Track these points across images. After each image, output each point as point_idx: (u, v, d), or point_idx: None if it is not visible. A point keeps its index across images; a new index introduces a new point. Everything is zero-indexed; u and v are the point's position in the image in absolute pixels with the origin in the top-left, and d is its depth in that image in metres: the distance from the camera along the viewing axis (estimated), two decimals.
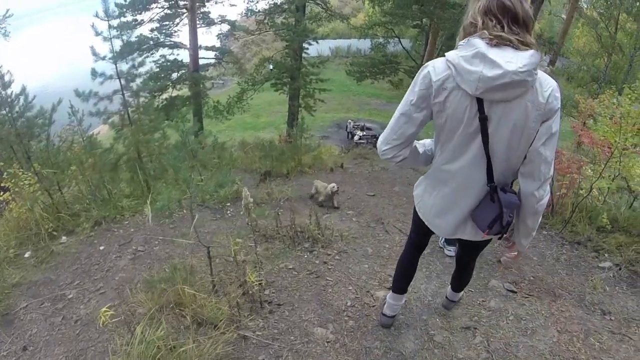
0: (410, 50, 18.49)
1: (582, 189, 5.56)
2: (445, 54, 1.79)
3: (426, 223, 2.27)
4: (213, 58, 17.43)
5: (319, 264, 4.22)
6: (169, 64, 16.53)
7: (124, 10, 15.75)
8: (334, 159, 11.28)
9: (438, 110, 1.84)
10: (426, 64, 1.85)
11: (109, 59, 6.86)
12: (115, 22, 16.08)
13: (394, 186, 8.51)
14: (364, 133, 18.32)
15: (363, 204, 6.88)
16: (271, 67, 15.06)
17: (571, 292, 4.06)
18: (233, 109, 15.83)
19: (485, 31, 1.67)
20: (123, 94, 7.05)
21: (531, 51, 1.63)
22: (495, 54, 1.62)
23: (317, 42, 13.90)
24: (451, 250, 4.40)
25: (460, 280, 3.11)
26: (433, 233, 2.44)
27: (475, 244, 2.31)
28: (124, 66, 7.06)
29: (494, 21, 1.67)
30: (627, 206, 6.05)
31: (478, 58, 1.64)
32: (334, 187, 6.24)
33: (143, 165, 6.99)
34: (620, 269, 4.41)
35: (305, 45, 14.13)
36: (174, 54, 17.51)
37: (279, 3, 15.35)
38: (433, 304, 3.67)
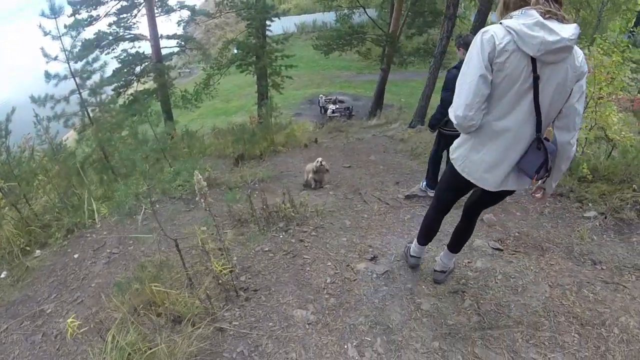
0: (377, 19, 17.99)
1: None
2: (502, 21, 2.03)
3: (473, 180, 2.36)
4: (176, 46, 16.72)
5: (295, 242, 4.03)
6: (130, 57, 15.79)
7: (78, 7, 14.97)
8: (308, 135, 11.14)
9: (497, 70, 2.02)
10: (486, 29, 2.03)
11: (64, 58, 6.55)
12: (69, 20, 15.58)
13: (369, 155, 8.32)
14: (337, 106, 17.91)
15: (340, 176, 6.71)
16: (235, 49, 14.55)
17: (559, 244, 3.88)
18: (200, 96, 15.29)
19: (539, 5, 1.94)
20: (80, 94, 6.77)
21: (574, 24, 1.92)
22: (552, 24, 1.89)
23: (279, 19, 13.36)
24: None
25: (463, 234, 3.03)
26: (466, 193, 2.75)
27: (504, 194, 2.47)
28: (79, 64, 6.86)
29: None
30: (606, 156, 5.93)
31: (538, 26, 1.89)
32: (321, 161, 6.00)
33: (110, 164, 6.83)
34: (605, 218, 4.26)
35: (267, 22, 13.58)
36: (135, 47, 16.72)
37: None
38: (418, 271, 3.49)
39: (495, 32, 2.00)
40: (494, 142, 2.21)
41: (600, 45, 5.32)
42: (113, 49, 16.33)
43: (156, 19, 16.22)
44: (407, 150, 8.37)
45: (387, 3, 18.13)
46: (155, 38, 15.95)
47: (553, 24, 1.91)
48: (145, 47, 16.50)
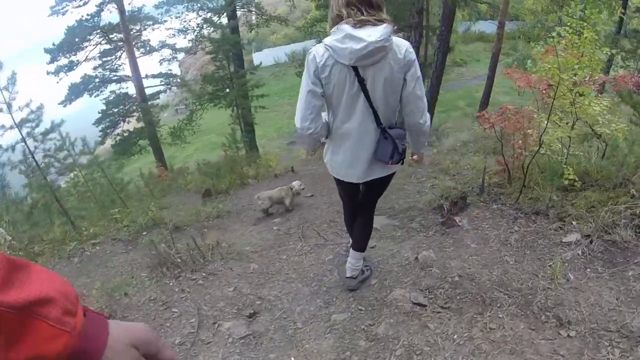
0: None
1: (544, 145, 4.19)
2: (323, 40, 2.19)
3: (341, 178, 2.59)
4: (161, 85, 16.09)
5: (178, 291, 3.49)
6: (114, 98, 15.30)
7: (56, 54, 14.59)
8: (286, 164, 10.17)
9: (326, 83, 2.20)
10: (311, 50, 2.22)
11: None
12: (52, 67, 15.17)
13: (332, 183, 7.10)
14: None
15: (297, 207, 5.72)
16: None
17: (514, 292, 2.62)
18: (183, 132, 14.46)
19: (350, 19, 2.10)
20: (24, 141, 6.43)
21: (384, 24, 2.08)
22: (359, 32, 2.05)
23: (248, 48, 12.47)
24: None
25: (363, 229, 3.00)
26: (357, 187, 2.79)
27: (380, 181, 2.60)
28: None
29: (355, 10, 2.10)
30: (600, 155, 4.61)
31: (347, 38, 2.06)
32: (301, 184, 5.73)
33: (63, 207, 6.54)
34: (591, 242, 2.98)
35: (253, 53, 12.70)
36: (123, 88, 16.32)
37: (208, 17, 13.91)
38: (294, 340, 2.66)
39: (316, 51, 2.17)
40: (345, 142, 2.42)
41: (569, 22, 4.10)
42: (101, 91, 16.02)
43: (139, 59, 15.74)
44: None
45: None
46: (137, 78, 15.40)
47: (363, 31, 2.05)
48: (132, 88, 16.03)
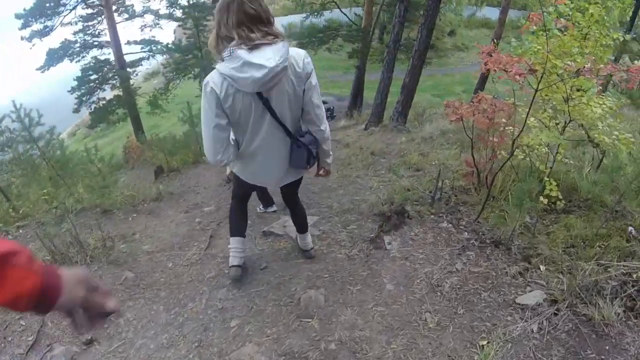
0: (351, 14, 15.47)
1: (525, 147, 3.11)
2: (217, 67, 1.97)
3: (254, 183, 2.52)
4: (142, 52, 14.87)
5: None
6: (92, 65, 14.24)
7: (30, 19, 13.46)
8: None
9: (231, 112, 2.05)
10: (206, 81, 2.02)
11: None
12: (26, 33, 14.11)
13: None
14: None
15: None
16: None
17: None
18: (157, 101, 13.36)
19: (243, 43, 1.88)
20: None
21: (281, 43, 1.91)
22: (257, 57, 1.85)
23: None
24: (273, 207, 4.17)
25: (300, 217, 2.99)
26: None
27: (296, 182, 2.64)
28: None
29: (247, 30, 1.88)
30: (593, 166, 3.55)
31: (246, 66, 1.85)
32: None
33: None
34: (556, 313, 1.95)
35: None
36: (105, 54, 15.20)
37: None
38: None
39: (214, 82, 1.99)
40: (256, 158, 2.28)
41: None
42: (83, 57, 14.93)
43: (121, 24, 14.59)
44: (342, 158, 6.15)
45: None
46: (117, 44, 14.27)
47: (261, 55, 1.86)
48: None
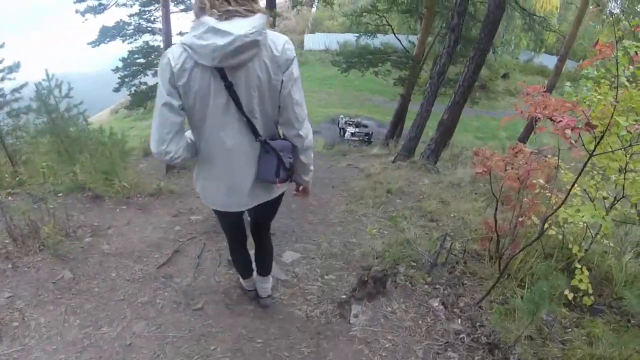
0: (407, 41, 14.91)
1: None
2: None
3: (221, 209, 2.06)
4: None
5: None
6: (139, 49, 14.38)
7: None
8: None
9: (185, 92, 1.67)
10: (165, 52, 1.68)
11: None
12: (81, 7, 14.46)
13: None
14: (357, 130, 15.40)
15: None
16: None
17: None
18: None
19: (214, 10, 1.59)
20: None
21: (257, 14, 1.61)
22: (226, 25, 1.56)
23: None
24: None
25: (264, 257, 2.54)
26: (240, 215, 2.24)
27: (271, 203, 2.11)
28: None
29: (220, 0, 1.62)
30: (635, 255, 2.87)
31: (210, 32, 1.55)
32: None
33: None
34: None
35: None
36: (156, 41, 15.36)
37: None
38: None
39: (172, 53, 1.64)
40: (217, 166, 1.88)
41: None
42: (135, 39, 15.08)
43: (176, 14, 14.61)
44: (356, 189, 5.61)
45: (416, 22, 15.06)
46: (167, 32, 14.11)
47: (230, 24, 1.55)
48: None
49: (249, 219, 2.43)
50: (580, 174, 1.97)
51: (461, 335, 2.11)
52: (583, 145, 2.14)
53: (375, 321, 2.25)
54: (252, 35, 1.54)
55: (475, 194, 5.44)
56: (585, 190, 2.69)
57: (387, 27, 14.71)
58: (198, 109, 1.72)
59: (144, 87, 14.87)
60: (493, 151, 2.91)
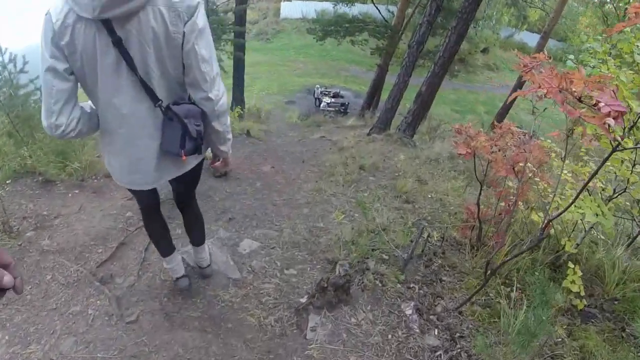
0: (385, 10, 14.21)
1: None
2: None
3: (126, 186, 1.82)
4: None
5: None
6: None
7: None
8: (238, 125, 8.22)
9: (71, 52, 1.41)
10: (48, 9, 1.42)
11: None
12: None
13: (276, 163, 5.54)
14: (333, 100, 14.77)
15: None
16: None
17: None
18: None
19: None
20: None
21: None
22: None
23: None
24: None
25: (192, 226, 2.35)
26: (152, 191, 2.00)
27: (188, 177, 1.88)
28: None
29: None
30: (632, 249, 2.57)
31: None
32: None
33: None
34: None
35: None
36: None
37: None
38: None
39: (54, 8, 1.38)
40: (116, 138, 1.64)
41: None
42: None
43: None
44: (327, 165, 5.22)
45: None
46: None
47: None
48: None
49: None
50: (600, 168, 1.57)
51: (438, 353, 1.75)
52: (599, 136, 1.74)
53: (336, 336, 1.87)
54: None
55: (454, 171, 5.11)
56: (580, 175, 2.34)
57: None
58: (88, 72, 1.47)
59: None
60: (478, 129, 2.53)
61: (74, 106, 1.53)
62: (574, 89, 1.21)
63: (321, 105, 14.82)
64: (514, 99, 11.11)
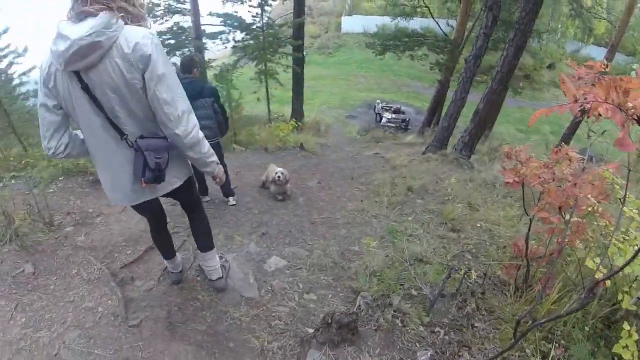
0: (446, 26, 13.78)
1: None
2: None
3: (112, 202, 2.03)
4: (220, 25, 14.49)
5: None
6: (170, 30, 14.04)
7: None
8: (294, 138, 8.60)
9: (56, 95, 1.72)
10: (42, 59, 1.73)
11: None
12: None
13: (324, 180, 5.55)
14: (394, 116, 14.45)
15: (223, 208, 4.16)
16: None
17: None
18: (226, 78, 12.83)
19: (72, 11, 1.59)
20: None
21: (101, 14, 1.54)
22: (69, 29, 1.54)
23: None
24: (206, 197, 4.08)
25: (197, 232, 2.48)
26: (152, 207, 2.20)
27: (179, 192, 2.07)
28: None
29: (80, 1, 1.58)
30: None
31: (59, 37, 1.56)
32: (279, 173, 4.44)
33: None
34: None
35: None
36: (186, 22, 15.07)
37: None
38: None
39: (45, 58, 1.69)
40: (99, 161, 1.92)
41: None
42: (166, 20, 14.87)
43: None
44: (376, 184, 5.13)
45: (456, 3, 13.87)
46: (196, 14, 13.87)
47: (73, 29, 1.53)
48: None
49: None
50: None
51: None
52: None
53: None
54: (88, 37, 1.50)
55: (510, 197, 4.68)
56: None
57: (424, 9, 13.67)
58: (70, 110, 1.75)
59: (174, 67, 14.68)
60: (530, 155, 2.23)
61: (63, 134, 1.81)
62: (630, 104, 0.95)
63: (382, 121, 14.62)
64: (580, 122, 10.14)
